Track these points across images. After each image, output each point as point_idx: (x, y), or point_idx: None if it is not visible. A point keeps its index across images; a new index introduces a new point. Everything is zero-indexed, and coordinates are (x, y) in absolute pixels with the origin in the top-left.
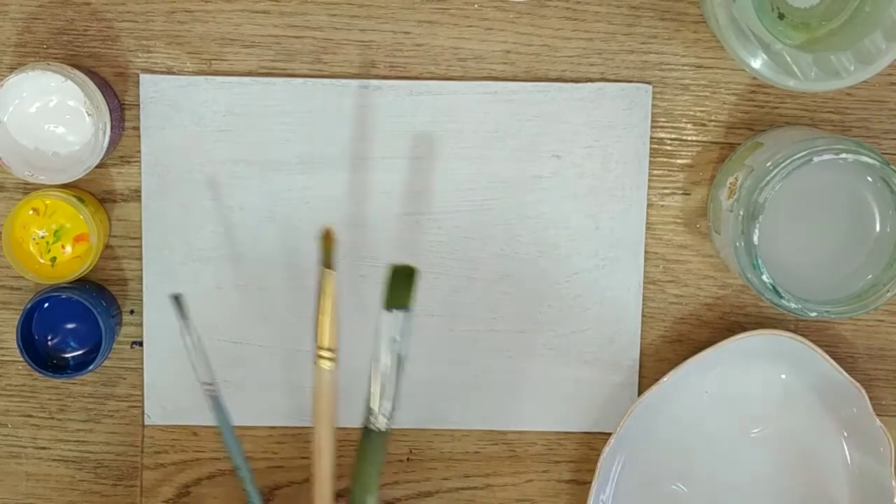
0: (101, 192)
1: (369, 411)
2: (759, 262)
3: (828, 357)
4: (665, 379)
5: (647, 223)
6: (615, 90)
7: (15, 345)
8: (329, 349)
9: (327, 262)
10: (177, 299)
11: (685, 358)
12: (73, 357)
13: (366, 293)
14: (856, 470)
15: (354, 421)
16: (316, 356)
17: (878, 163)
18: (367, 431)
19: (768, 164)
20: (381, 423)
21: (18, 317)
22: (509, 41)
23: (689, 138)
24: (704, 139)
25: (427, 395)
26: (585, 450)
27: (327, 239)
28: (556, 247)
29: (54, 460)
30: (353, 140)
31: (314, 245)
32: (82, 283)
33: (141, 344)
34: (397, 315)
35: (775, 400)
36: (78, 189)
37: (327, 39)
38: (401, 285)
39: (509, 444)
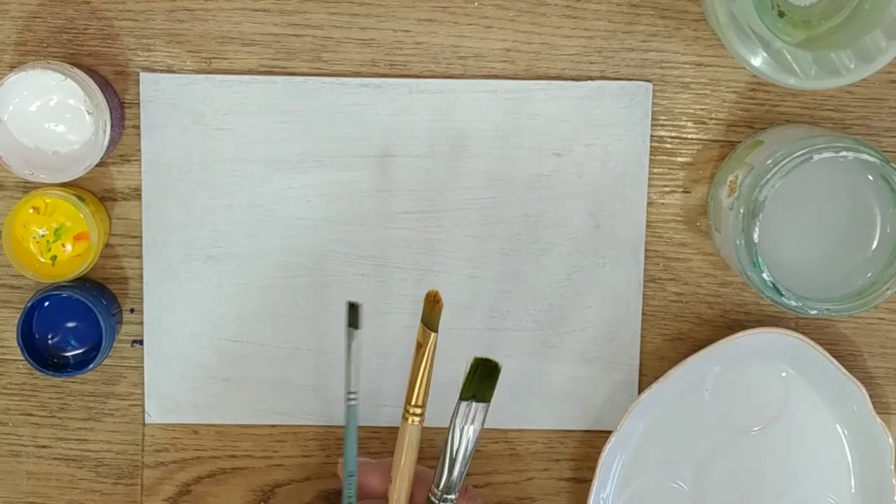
0: (102, 190)
1: (432, 493)
2: (760, 259)
3: (828, 355)
4: (665, 377)
5: (647, 221)
6: (615, 88)
7: (15, 343)
8: (420, 406)
9: (433, 324)
10: (353, 308)
11: (685, 356)
12: (73, 355)
13: (366, 292)
14: (856, 468)
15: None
16: (406, 412)
17: (878, 161)
18: None
19: (768, 161)
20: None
21: (19, 315)
22: (509, 39)
23: (690, 136)
24: (705, 137)
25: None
26: (586, 448)
27: (434, 302)
28: (557, 245)
29: (55, 459)
30: (354, 138)
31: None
32: (83, 282)
33: (141, 342)
34: (474, 405)
35: (775, 398)
36: (78, 188)
37: (327, 38)
38: (483, 379)
39: (510, 442)
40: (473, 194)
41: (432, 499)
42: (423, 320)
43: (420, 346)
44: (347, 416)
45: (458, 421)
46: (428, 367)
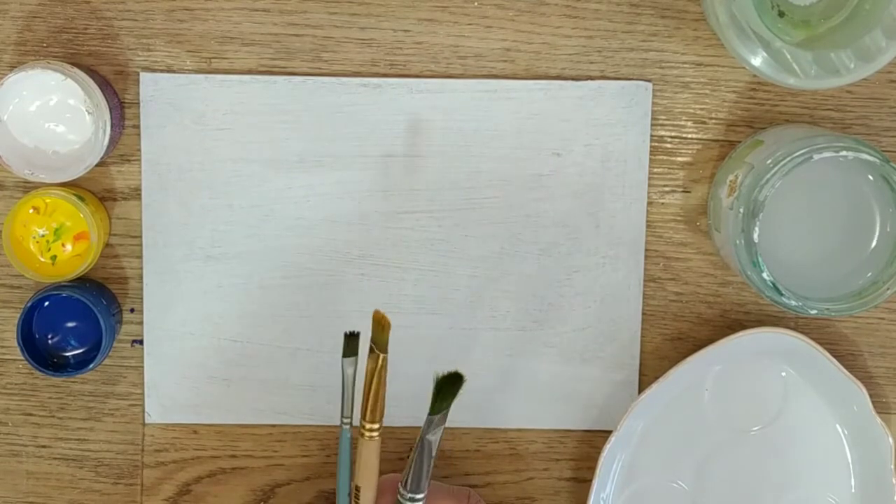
0: (102, 190)
1: (401, 494)
2: (760, 259)
3: (828, 355)
4: (665, 377)
5: (647, 221)
6: (615, 88)
7: (15, 343)
8: (377, 423)
9: (382, 346)
10: (352, 337)
11: (685, 356)
12: (73, 355)
13: (366, 291)
14: (856, 467)
15: (354, 419)
16: (363, 430)
17: (878, 160)
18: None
19: (768, 161)
20: (406, 499)
21: (19, 315)
22: (509, 39)
23: (690, 136)
24: (705, 137)
25: (427, 393)
26: (586, 448)
27: (383, 324)
28: (557, 245)
29: (55, 459)
30: (353, 138)
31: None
32: (82, 282)
33: (141, 342)
34: (437, 417)
35: (775, 397)
36: (78, 187)
37: (327, 37)
38: (448, 392)
39: (510, 441)
40: (473, 194)
41: (401, 500)
42: (373, 340)
43: (372, 368)
44: (343, 440)
45: (427, 434)
46: (383, 387)
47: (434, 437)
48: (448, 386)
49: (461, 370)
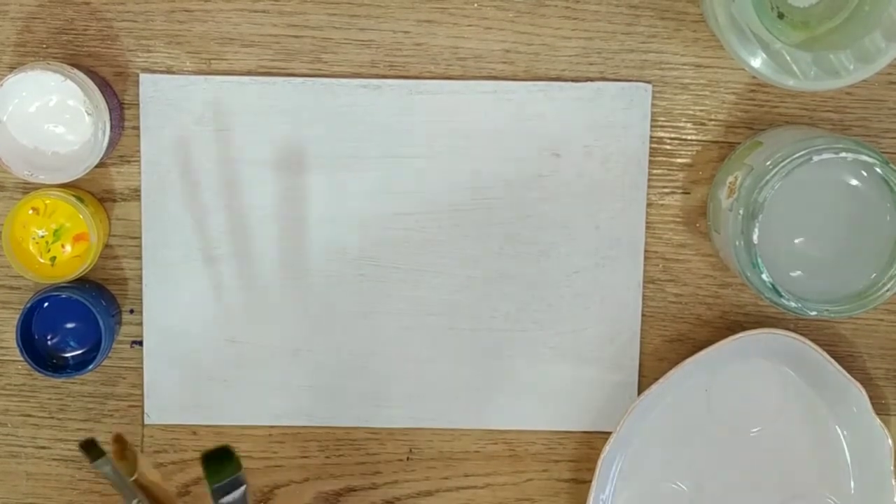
0: (101, 191)
1: None
2: (759, 261)
3: (827, 356)
4: (665, 378)
5: (646, 222)
6: (615, 89)
7: (15, 344)
8: None
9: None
10: (88, 445)
11: (685, 357)
12: (72, 356)
13: (366, 292)
14: (856, 469)
15: (353, 421)
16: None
17: (877, 162)
18: None
19: (768, 163)
20: None
21: (18, 316)
22: (509, 40)
23: (689, 137)
24: (704, 138)
25: (427, 394)
26: (585, 449)
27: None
28: (556, 246)
29: (54, 460)
30: (353, 139)
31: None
32: (82, 283)
33: (141, 343)
34: (225, 484)
35: (775, 399)
36: (78, 188)
37: (327, 39)
38: (219, 464)
39: (509, 443)
40: (473, 194)
41: None
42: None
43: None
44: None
45: (216, 500)
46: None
47: (230, 499)
48: (215, 462)
49: (230, 448)
